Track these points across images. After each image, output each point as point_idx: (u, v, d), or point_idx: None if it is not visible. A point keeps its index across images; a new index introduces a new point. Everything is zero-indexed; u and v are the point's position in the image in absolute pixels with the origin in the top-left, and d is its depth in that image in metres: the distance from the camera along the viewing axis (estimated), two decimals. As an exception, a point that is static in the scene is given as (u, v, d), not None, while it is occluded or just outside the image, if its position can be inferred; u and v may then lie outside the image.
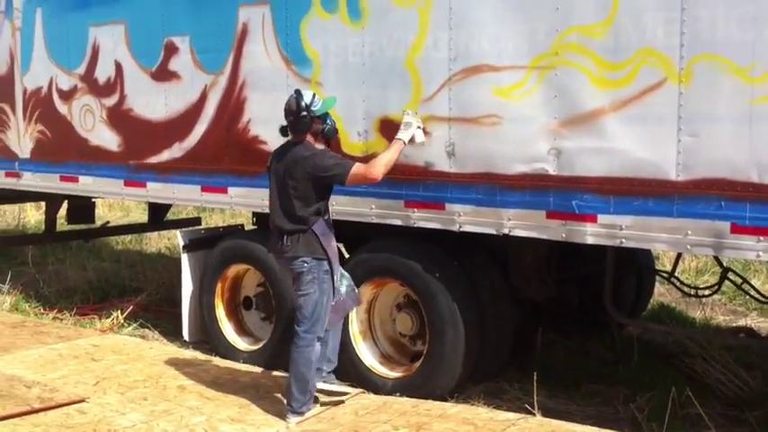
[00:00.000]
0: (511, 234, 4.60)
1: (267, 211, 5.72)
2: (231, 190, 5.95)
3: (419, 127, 4.65)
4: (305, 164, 4.54)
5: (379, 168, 4.54)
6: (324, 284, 4.65)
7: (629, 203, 4.13)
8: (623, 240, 4.19)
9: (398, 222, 5.05)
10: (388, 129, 4.98)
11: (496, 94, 4.52)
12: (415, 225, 4.98)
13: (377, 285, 5.38)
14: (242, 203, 6.01)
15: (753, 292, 5.42)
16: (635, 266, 5.96)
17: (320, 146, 4.68)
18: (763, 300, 5.35)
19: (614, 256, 4.70)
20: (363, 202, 5.18)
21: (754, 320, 6.78)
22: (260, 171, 5.68)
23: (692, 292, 5.85)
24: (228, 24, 5.77)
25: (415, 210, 4.96)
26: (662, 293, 7.14)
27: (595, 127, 4.18)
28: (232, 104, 5.84)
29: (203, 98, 6.01)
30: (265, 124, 5.65)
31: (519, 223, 4.56)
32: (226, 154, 5.93)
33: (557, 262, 5.31)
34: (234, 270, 6.17)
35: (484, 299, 5.08)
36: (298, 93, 4.64)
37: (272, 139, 5.58)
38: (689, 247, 4.01)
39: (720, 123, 3.79)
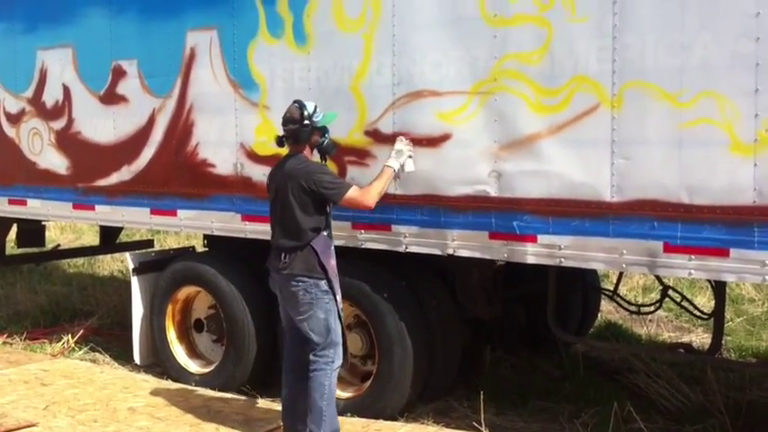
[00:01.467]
0: (455, 254, 4.68)
1: (216, 233, 5.83)
2: (181, 212, 5.96)
3: (410, 156, 4.62)
4: (301, 176, 4.43)
5: (373, 198, 4.50)
6: (325, 303, 4.46)
7: (568, 224, 4.24)
8: (562, 260, 4.30)
9: (344, 243, 5.10)
10: (336, 152, 5.04)
11: (439, 119, 4.62)
12: (363, 246, 5.05)
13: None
14: (192, 226, 6.01)
15: (693, 310, 5.56)
16: (581, 285, 6.08)
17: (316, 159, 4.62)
18: (703, 316, 5.50)
19: (556, 276, 4.80)
20: (311, 224, 5.21)
21: (699, 336, 6.95)
22: (209, 193, 5.75)
23: (636, 309, 5.98)
24: (176, 48, 5.79)
25: (362, 231, 5.03)
26: (610, 311, 7.28)
27: (533, 150, 4.29)
28: (180, 128, 5.86)
29: (151, 121, 6.02)
30: (214, 147, 5.69)
31: (463, 244, 4.64)
32: (174, 177, 5.94)
33: (503, 281, 5.41)
34: (185, 292, 6.16)
35: (432, 318, 5.15)
36: (300, 102, 4.52)
37: (220, 162, 5.67)
38: (625, 266, 4.13)
39: (651, 147, 3.93)
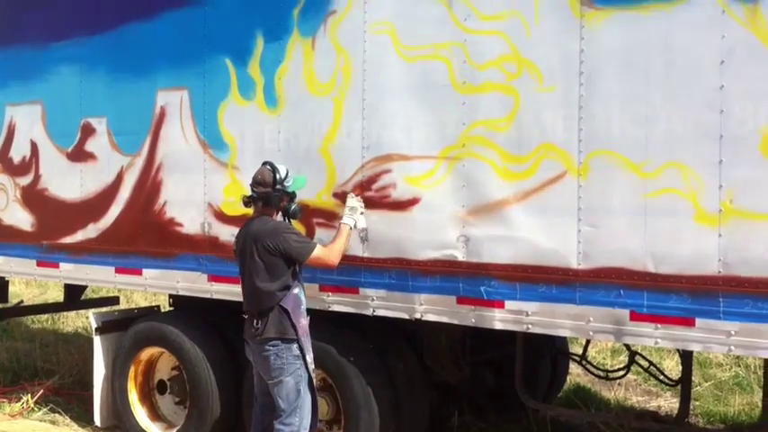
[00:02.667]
0: (423, 318, 4.65)
1: (182, 292, 5.76)
2: (146, 272, 5.88)
3: (362, 212, 4.67)
4: (267, 237, 4.46)
5: (337, 257, 4.56)
6: (296, 369, 4.47)
7: (535, 290, 4.23)
8: (530, 326, 4.28)
9: (313, 306, 5.05)
10: (304, 214, 5.03)
11: (408, 183, 4.63)
12: (330, 309, 5.00)
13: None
14: (157, 285, 5.93)
15: (660, 375, 5.56)
16: (549, 349, 6.06)
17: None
18: (670, 383, 5.49)
19: (524, 341, 4.77)
20: (278, 286, 5.17)
21: (667, 401, 6.94)
22: (175, 253, 5.68)
23: (604, 374, 5.97)
24: (146, 107, 5.79)
25: (330, 294, 4.98)
26: (578, 375, 7.25)
27: (501, 216, 4.30)
28: (148, 186, 5.82)
29: (119, 179, 5.98)
30: (181, 206, 5.66)
31: (431, 308, 4.62)
32: (141, 235, 5.88)
33: (471, 345, 5.37)
34: (148, 353, 6.04)
35: (399, 382, 5.08)
36: (272, 165, 4.57)
37: (188, 221, 5.63)
38: (591, 333, 4.12)
39: (617, 215, 3.95)
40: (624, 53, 3.89)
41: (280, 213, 4.65)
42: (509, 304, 4.33)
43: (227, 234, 5.39)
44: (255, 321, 4.52)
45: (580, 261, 4.07)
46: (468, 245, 4.42)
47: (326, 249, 4.56)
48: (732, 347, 3.72)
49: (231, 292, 5.39)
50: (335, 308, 4.97)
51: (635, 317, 3.95)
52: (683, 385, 4.66)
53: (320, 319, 5.07)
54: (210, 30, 5.46)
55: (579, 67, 4.01)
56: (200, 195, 5.55)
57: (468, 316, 4.48)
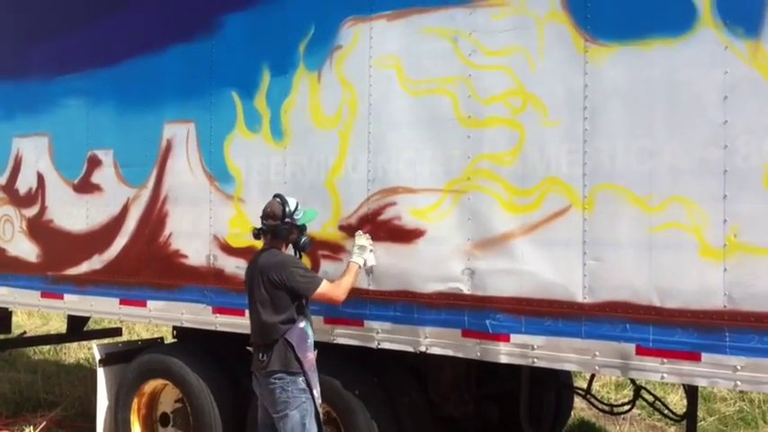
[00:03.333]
0: (428, 352, 4.64)
1: (186, 324, 5.75)
2: (150, 303, 5.88)
3: (371, 250, 4.66)
4: (273, 270, 4.45)
5: (343, 294, 4.55)
6: (302, 403, 4.44)
7: (540, 324, 4.22)
8: (535, 360, 4.27)
9: (318, 339, 5.04)
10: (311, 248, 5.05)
11: (413, 215, 4.64)
12: (335, 341, 4.99)
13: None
14: (161, 317, 5.93)
15: (665, 410, 5.53)
16: (554, 383, 6.03)
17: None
18: (675, 417, 5.46)
19: (529, 375, 4.76)
20: (283, 318, 5.17)
21: (672, 436, 6.91)
22: (180, 284, 5.69)
23: (609, 409, 5.93)
24: (153, 140, 5.83)
25: (335, 326, 4.97)
26: (582, 409, 7.21)
27: (506, 249, 4.30)
28: (154, 218, 5.84)
29: (125, 211, 6.00)
30: (187, 238, 5.67)
31: (435, 341, 4.60)
32: (146, 267, 5.89)
33: (476, 378, 5.35)
34: (151, 385, 6.01)
35: (403, 416, 5.05)
36: (281, 198, 4.57)
37: (193, 253, 5.63)
38: (597, 367, 4.10)
39: (622, 249, 3.95)
40: (628, 88, 3.92)
41: (290, 246, 4.66)
42: (514, 338, 4.32)
43: (233, 266, 5.41)
44: (261, 354, 4.51)
45: (585, 295, 4.07)
46: (473, 278, 4.42)
47: (333, 286, 4.55)
48: (738, 382, 3.70)
49: (236, 324, 5.39)
50: (340, 341, 4.96)
51: (641, 351, 3.93)
52: (689, 420, 4.64)
53: (325, 351, 5.07)
54: (217, 63, 5.51)
55: (583, 102, 4.04)
56: (205, 227, 5.57)
57: (474, 349, 4.47)
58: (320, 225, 4.97)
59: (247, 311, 4.76)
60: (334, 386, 4.99)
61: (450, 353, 4.57)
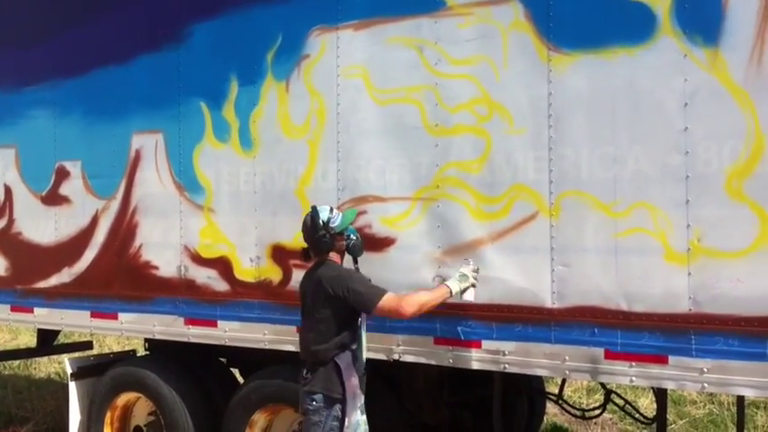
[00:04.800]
0: (401, 360, 4.66)
1: (158, 336, 5.72)
2: (122, 316, 5.85)
3: (474, 285, 4.25)
4: (330, 284, 4.19)
5: (413, 308, 4.14)
6: (330, 431, 4.20)
7: (511, 330, 4.25)
8: (507, 366, 4.30)
9: (292, 348, 5.04)
10: (281, 255, 5.06)
11: (383, 224, 4.66)
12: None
13: (271, 412, 5.30)
14: (133, 330, 5.89)
15: (636, 414, 5.58)
16: (526, 389, 6.06)
17: (345, 264, 4.38)
18: (646, 421, 5.52)
19: (501, 381, 4.79)
20: (256, 328, 5.17)
21: (642, 440, 6.98)
22: (151, 296, 5.66)
23: (580, 413, 5.98)
24: (121, 150, 5.81)
25: (309, 335, 4.97)
26: (555, 414, 7.25)
27: (476, 256, 4.33)
28: (123, 229, 5.81)
29: (94, 223, 5.97)
30: (157, 249, 5.65)
31: (408, 349, 4.62)
32: (116, 279, 5.86)
33: (449, 385, 5.37)
34: (124, 398, 5.99)
35: (378, 424, 5.05)
36: (314, 210, 4.30)
37: (164, 264, 5.62)
38: (567, 372, 4.14)
39: (589, 255, 3.99)
40: (591, 96, 3.96)
41: (344, 255, 4.41)
42: (486, 344, 4.35)
43: (204, 277, 5.40)
44: (306, 371, 4.30)
45: (554, 300, 4.11)
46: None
47: (399, 297, 4.19)
48: (705, 385, 3.75)
49: (209, 335, 5.39)
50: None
51: (609, 355, 3.97)
52: (659, 423, 4.69)
53: (294, 361, 5.07)
54: (185, 73, 5.50)
55: (548, 110, 4.08)
56: (176, 238, 5.55)
57: (446, 356, 4.49)
58: (291, 235, 4.98)
59: (300, 326, 4.59)
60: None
61: (422, 360, 4.59)
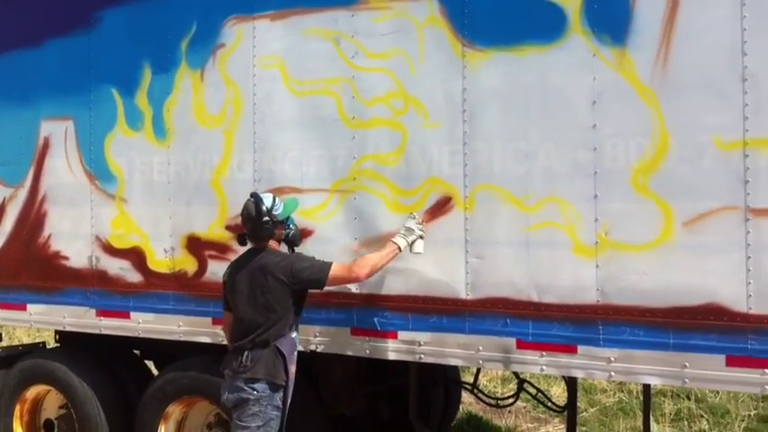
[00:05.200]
0: (318, 351, 4.67)
1: (69, 328, 5.58)
2: (31, 307, 5.69)
3: (421, 236, 4.25)
4: (277, 269, 4.15)
5: (364, 269, 4.15)
6: (270, 420, 4.15)
7: (426, 321, 4.31)
8: (422, 356, 4.36)
9: (207, 340, 5.00)
10: (195, 246, 5.01)
11: (301, 215, 4.63)
12: (224, 342, 4.93)
13: (186, 404, 5.24)
14: (42, 321, 5.73)
15: (548, 402, 5.73)
16: (442, 379, 6.15)
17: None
18: (557, 409, 5.68)
19: (418, 371, 4.85)
20: (171, 320, 5.10)
21: (555, 427, 7.14)
22: (61, 287, 5.52)
23: (495, 402, 6.10)
24: (30, 137, 5.64)
25: (221, 326, 4.93)
26: (471, 403, 7.37)
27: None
28: (32, 219, 5.65)
29: (1, 211, 5.79)
30: (68, 239, 5.53)
31: (325, 340, 4.64)
32: (25, 269, 5.70)
33: (366, 376, 5.40)
34: (34, 391, 5.84)
35: (295, 416, 5.05)
36: (256, 197, 4.25)
37: (74, 254, 5.49)
38: (481, 362, 4.23)
39: (502, 247, 4.08)
40: (504, 92, 4.03)
41: (282, 244, 4.40)
42: (402, 335, 4.40)
43: (116, 267, 5.30)
44: (245, 356, 4.18)
45: (468, 292, 4.18)
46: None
47: (348, 264, 4.21)
48: (612, 373, 3.89)
49: (121, 327, 5.30)
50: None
51: (521, 345, 4.07)
52: (569, 411, 4.83)
53: (215, 352, 5.03)
54: (96, 59, 5.36)
55: (462, 105, 4.13)
56: (86, 228, 5.42)
57: (363, 347, 4.53)
58: (206, 225, 4.93)
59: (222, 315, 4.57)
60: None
61: (339, 351, 4.62)
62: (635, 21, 3.73)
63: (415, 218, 4.25)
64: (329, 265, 4.19)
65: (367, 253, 4.32)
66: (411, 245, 4.22)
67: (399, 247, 4.20)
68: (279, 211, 4.30)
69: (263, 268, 4.20)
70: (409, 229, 4.22)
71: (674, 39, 3.65)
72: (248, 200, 4.31)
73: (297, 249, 4.46)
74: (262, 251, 4.30)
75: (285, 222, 4.36)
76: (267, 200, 4.27)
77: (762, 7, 3.50)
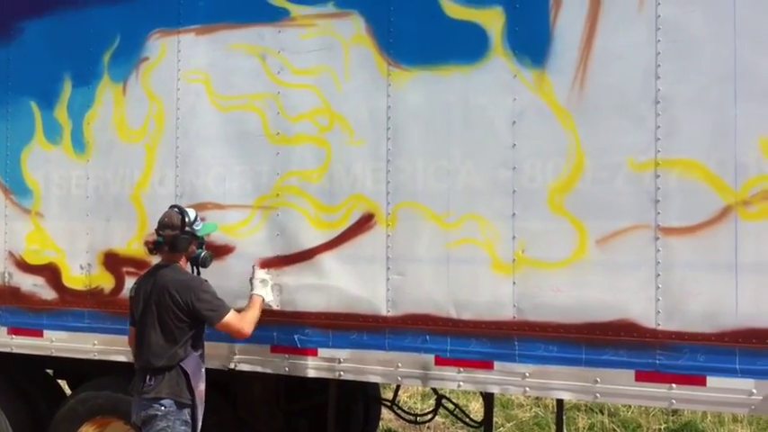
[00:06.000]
0: (236, 369, 4.62)
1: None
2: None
3: (272, 284, 4.42)
4: (180, 290, 4.12)
5: (249, 327, 4.25)
6: None
7: (347, 337, 4.32)
8: (342, 373, 4.36)
9: (123, 359, 4.89)
10: (113, 262, 4.92)
11: (223, 231, 4.60)
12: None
13: (100, 425, 5.11)
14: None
15: (466, 418, 5.79)
16: (362, 395, 6.16)
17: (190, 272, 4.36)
18: (473, 424, 5.74)
19: (337, 388, 4.84)
20: (85, 338, 4.98)
21: (472, 442, 7.23)
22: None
23: (413, 418, 6.14)
24: (-58, 149, 5.45)
25: (137, 346, 4.84)
26: (390, 420, 7.41)
27: (314, 264, 4.37)
28: (-58, 233, 5.44)
29: None
30: (-20, 254, 5.34)
31: (245, 358, 4.60)
32: (-68, 286, 5.47)
33: (285, 393, 5.37)
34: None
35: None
36: (180, 208, 4.27)
37: (-14, 271, 5.31)
38: (400, 378, 4.26)
39: (423, 264, 4.13)
40: (427, 111, 4.11)
41: (188, 263, 4.38)
42: (322, 352, 4.40)
43: (30, 284, 5.17)
44: (149, 378, 4.16)
45: (389, 308, 4.22)
46: (281, 293, 4.46)
47: (239, 318, 4.25)
48: (527, 389, 3.96)
49: (34, 345, 5.14)
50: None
51: (440, 361, 4.12)
52: (486, 426, 4.89)
53: (130, 371, 4.92)
54: (14, 71, 5.25)
55: (387, 123, 4.20)
56: (0, 243, 5.26)
57: (282, 365, 4.50)
58: (125, 241, 4.86)
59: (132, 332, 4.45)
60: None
61: (258, 369, 4.59)
62: (554, 44, 3.86)
63: (258, 268, 4.44)
64: (227, 311, 4.22)
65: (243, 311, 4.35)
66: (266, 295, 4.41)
67: (263, 298, 4.38)
68: (199, 227, 4.32)
69: (166, 286, 4.18)
70: (263, 281, 4.41)
71: (591, 62, 3.80)
72: (172, 209, 4.32)
73: (203, 273, 4.43)
74: (170, 267, 4.27)
75: (200, 241, 4.37)
76: (191, 213, 4.30)
77: (675, 31, 3.67)
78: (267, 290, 4.40)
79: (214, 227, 4.51)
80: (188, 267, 4.40)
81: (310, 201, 4.39)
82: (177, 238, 4.23)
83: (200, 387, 4.26)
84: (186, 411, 4.18)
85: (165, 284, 4.17)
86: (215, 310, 4.18)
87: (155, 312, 4.20)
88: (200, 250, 4.40)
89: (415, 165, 4.15)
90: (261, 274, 4.43)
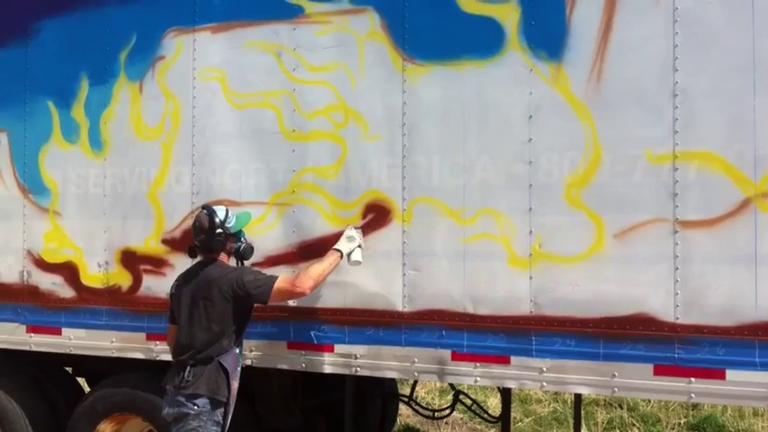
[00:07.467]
0: (254, 365, 4.63)
1: (-2, 346, 5.43)
2: (-43, 325, 5.52)
3: (360, 245, 4.25)
4: (223, 283, 4.11)
5: (308, 282, 4.08)
6: None
7: (363, 333, 4.33)
8: (358, 369, 4.37)
9: (140, 356, 4.92)
10: (131, 260, 4.94)
11: (239, 228, 4.62)
12: (158, 358, 4.87)
13: (118, 422, 5.13)
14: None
15: (484, 414, 5.79)
16: (379, 391, 6.16)
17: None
18: (492, 420, 5.73)
19: (354, 384, 4.85)
20: (103, 335, 5.01)
21: (490, 438, 7.24)
22: (-6, 304, 5.38)
23: (431, 414, 6.14)
24: (-38, 149, 5.50)
25: (158, 343, 4.86)
26: (408, 415, 7.41)
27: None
28: (-39, 232, 5.49)
29: (-70, 225, 5.60)
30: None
31: (261, 354, 4.61)
32: (-48, 285, 5.52)
33: (302, 390, 5.38)
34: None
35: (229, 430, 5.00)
36: (208, 209, 4.23)
37: (5, 269, 5.36)
38: (416, 374, 4.26)
39: (439, 259, 4.13)
40: (442, 106, 4.12)
41: (232, 257, 4.35)
42: (338, 348, 4.40)
43: (48, 283, 5.19)
44: (187, 372, 4.13)
45: (405, 304, 4.22)
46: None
47: (293, 277, 4.16)
48: (545, 383, 3.95)
49: (52, 343, 5.18)
50: (164, 357, 4.84)
51: (456, 357, 4.12)
52: (503, 421, 4.88)
53: (148, 369, 4.94)
54: (33, 71, 5.29)
55: (402, 119, 4.20)
56: (18, 242, 5.31)
57: (299, 361, 4.51)
58: (142, 239, 4.87)
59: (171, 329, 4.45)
60: (158, 405, 4.80)
61: (275, 365, 4.59)
62: (570, 37, 3.86)
63: (352, 228, 4.29)
64: (274, 279, 4.15)
65: (307, 265, 4.31)
66: (350, 253, 4.23)
67: (342, 254, 4.20)
68: (231, 223, 4.29)
69: (210, 282, 4.17)
70: (351, 238, 4.24)
71: (608, 55, 3.79)
72: (201, 211, 4.29)
73: (246, 263, 4.43)
74: (210, 264, 4.27)
75: (237, 235, 4.34)
76: (220, 212, 4.25)
77: (692, 23, 3.66)
78: (351, 246, 4.21)
79: (248, 217, 4.42)
80: (231, 261, 4.38)
81: (326, 197, 4.40)
82: (211, 240, 4.22)
83: (234, 385, 4.25)
84: (219, 412, 4.17)
85: (209, 280, 4.17)
86: (261, 285, 4.13)
87: (197, 308, 4.19)
88: (239, 243, 4.35)
89: (430, 160, 4.14)
90: (350, 231, 4.27)
